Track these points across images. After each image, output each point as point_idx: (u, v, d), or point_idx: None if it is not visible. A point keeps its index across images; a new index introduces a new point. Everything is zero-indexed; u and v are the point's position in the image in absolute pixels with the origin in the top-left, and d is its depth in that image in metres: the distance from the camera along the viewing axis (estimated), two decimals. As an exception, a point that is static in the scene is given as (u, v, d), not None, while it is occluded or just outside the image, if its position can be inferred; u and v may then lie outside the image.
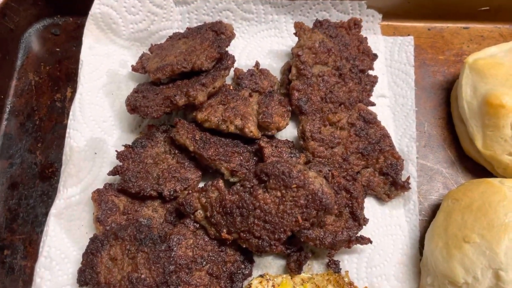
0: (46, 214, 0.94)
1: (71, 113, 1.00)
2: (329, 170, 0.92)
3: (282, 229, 0.85)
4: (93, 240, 0.87)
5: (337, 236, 0.89)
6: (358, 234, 0.91)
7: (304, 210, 0.85)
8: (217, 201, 0.88)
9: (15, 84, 1.09)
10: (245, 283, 0.90)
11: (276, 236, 0.86)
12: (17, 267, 0.91)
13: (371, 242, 0.91)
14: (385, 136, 1.01)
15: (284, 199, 0.85)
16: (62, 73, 1.11)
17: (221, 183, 0.89)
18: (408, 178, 0.98)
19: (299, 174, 0.85)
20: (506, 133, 0.95)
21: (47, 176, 0.99)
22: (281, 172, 0.85)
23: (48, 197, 0.97)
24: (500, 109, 0.94)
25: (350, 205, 0.92)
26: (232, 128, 0.96)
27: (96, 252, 0.86)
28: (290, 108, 1.02)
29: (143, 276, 0.83)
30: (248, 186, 0.87)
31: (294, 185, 0.85)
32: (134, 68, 1.05)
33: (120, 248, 0.86)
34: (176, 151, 0.98)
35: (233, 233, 0.88)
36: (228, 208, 0.87)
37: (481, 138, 0.99)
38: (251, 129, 0.96)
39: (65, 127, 1.01)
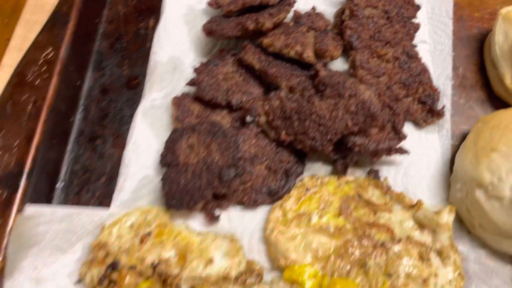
0: (131, 116, 1.11)
1: (155, 35, 1.18)
2: (375, 89, 1.07)
3: (333, 132, 1.00)
4: (174, 131, 1.04)
5: (380, 144, 1.03)
6: (398, 146, 1.06)
7: (354, 116, 1.00)
8: (278, 108, 1.04)
9: (107, 13, 1.28)
10: (297, 180, 1.06)
11: (328, 137, 1.01)
12: (107, 153, 1.09)
13: (408, 153, 1.05)
14: (425, 70, 1.15)
15: (337, 106, 1.00)
16: (146, 6, 1.29)
17: (283, 93, 1.05)
18: (443, 107, 1.12)
19: (352, 85, 1.00)
20: (533, 70, 1.08)
21: (133, 86, 1.17)
22: (336, 82, 1.00)
23: (133, 102, 1.15)
24: (529, 48, 1.07)
25: (392, 120, 1.07)
26: (292, 53, 1.12)
27: (176, 140, 1.03)
28: (343, 43, 1.18)
29: (216, 159, 0.99)
30: (307, 95, 1.03)
31: (347, 94, 1.00)
32: (209, 3, 1.23)
33: (196, 138, 1.03)
34: (243, 71, 1.15)
35: (290, 135, 1.03)
36: (288, 113, 1.03)
37: (510, 76, 1.12)
38: (309, 54, 1.12)
39: (148, 50, 1.19)
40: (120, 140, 1.10)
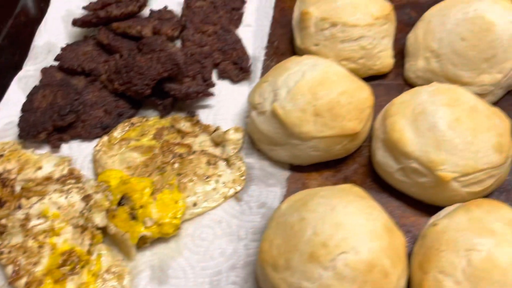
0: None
1: (38, 29, 1.55)
2: (184, 49, 1.40)
3: (149, 78, 1.31)
4: (34, 87, 1.37)
5: (190, 89, 1.34)
6: (206, 91, 1.36)
7: (163, 65, 1.31)
8: (113, 66, 1.37)
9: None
10: (129, 120, 1.36)
11: (146, 82, 1.32)
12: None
13: (213, 95, 1.36)
14: (238, 41, 1.49)
15: (152, 58, 1.33)
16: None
17: (117, 56, 1.39)
18: (250, 66, 1.44)
19: (162, 43, 1.34)
20: (311, 31, 1.41)
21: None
22: (151, 42, 1.34)
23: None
24: (306, 15, 1.41)
25: (201, 72, 1.39)
26: (133, 31, 1.46)
27: (34, 93, 1.35)
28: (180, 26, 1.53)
29: (58, 101, 1.31)
30: (132, 54, 1.36)
31: (158, 49, 1.33)
32: (84, 7, 1.61)
33: (49, 91, 1.35)
34: (99, 49, 1.50)
35: (121, 85, 1.35)
36: (119, 69, 1.36)
37: (299, 39, 1.45)
38: (147, 31, 1.46)
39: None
40: (-1, 102, 1.42)
